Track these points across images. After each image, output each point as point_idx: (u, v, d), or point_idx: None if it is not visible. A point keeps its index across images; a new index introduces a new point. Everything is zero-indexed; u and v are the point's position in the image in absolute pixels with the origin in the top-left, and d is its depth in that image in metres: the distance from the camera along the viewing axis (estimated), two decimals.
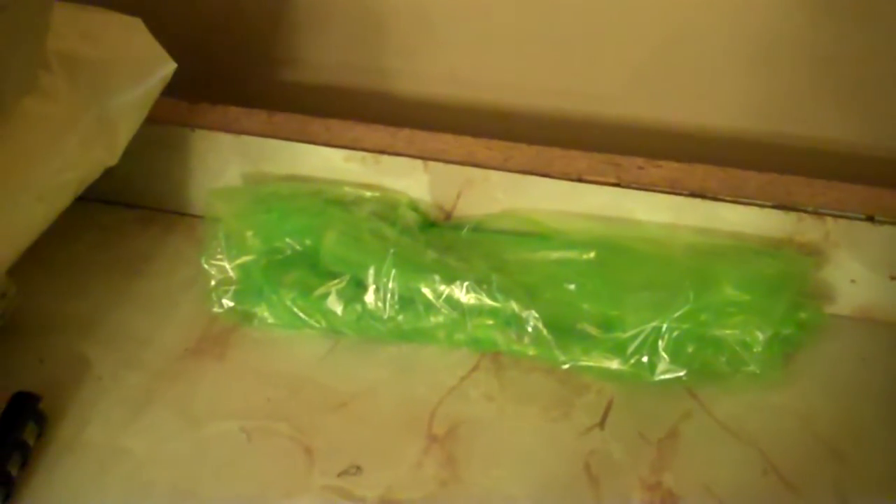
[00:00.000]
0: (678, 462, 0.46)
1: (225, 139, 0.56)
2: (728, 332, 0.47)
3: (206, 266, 0.52)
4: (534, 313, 0.49)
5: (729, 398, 0.49)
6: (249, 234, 0.53)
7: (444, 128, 0.57)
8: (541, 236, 0.53)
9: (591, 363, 0.48)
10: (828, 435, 0.47)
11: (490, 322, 0.50)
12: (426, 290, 0.50)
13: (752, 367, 0.47)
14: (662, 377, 0.48)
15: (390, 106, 0.63)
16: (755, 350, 0.47)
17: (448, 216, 0.56)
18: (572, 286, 0.49)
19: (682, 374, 0.47)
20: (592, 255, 0.51)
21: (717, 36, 0.54)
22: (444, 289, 0.50)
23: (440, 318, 0.50)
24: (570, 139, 0.56)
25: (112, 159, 0.51)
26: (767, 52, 0.54)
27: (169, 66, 0.51)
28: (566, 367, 0.49)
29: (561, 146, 0.55)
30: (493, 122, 0.61)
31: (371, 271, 0.50)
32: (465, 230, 0.54)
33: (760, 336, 0.46)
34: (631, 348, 0.47)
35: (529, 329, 0.49)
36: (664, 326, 0.47)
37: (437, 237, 0.53)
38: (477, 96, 0.61)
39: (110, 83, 0.50)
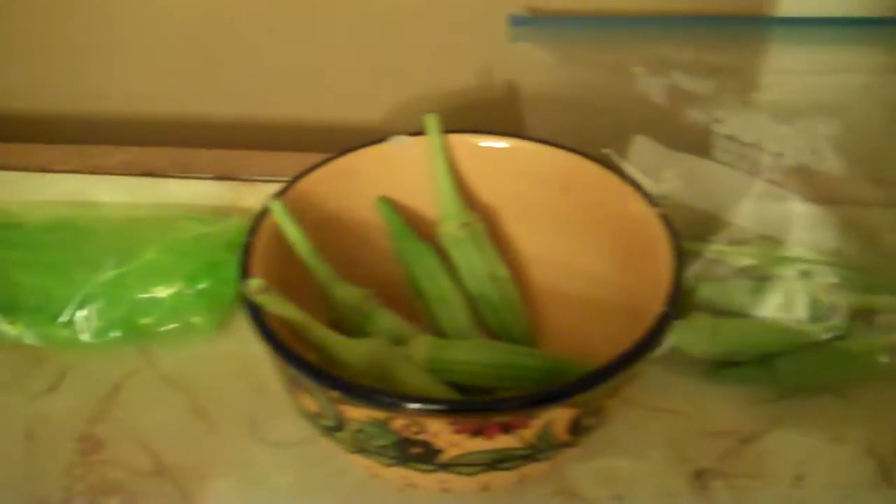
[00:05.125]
0: (114, 414, 0.51)
1: None
2: (156, 291, 0.52)
3: None
4: None
5: (174, 353, 0.54)
6: None
7: None
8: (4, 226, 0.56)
9: (38, 335, 0.52)
10: (259, 377, 0.52)
11: None
12: None
13: (185, 322, 0.52)
14: (105, 339, 0.52)
15: None
16: (191, 306, 0.53)
17: None
18: (17, 265, 0.53)
19: (118, 334, 0.52)
20: (48, 236, 0.55)
21: None
22: None
23: None
24: None
25: None
26: None
27: None
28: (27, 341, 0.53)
29: None
30: None
31: None
32: None
33: (168, 291, 0.51)
34: (68, 316, 0.52)
35: None
36: (95, 293, 0.52)
37: None
38: None
39: None
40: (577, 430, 0.41)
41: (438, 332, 0.49)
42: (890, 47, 0.56)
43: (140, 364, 0.53)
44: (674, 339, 0.49)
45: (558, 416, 0.39)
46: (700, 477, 0.47)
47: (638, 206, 0.47)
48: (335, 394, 0.39)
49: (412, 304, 0.51)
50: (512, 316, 0.50)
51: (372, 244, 0.51)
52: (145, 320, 0.52)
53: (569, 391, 0.38)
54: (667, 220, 0.46)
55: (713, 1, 0.57)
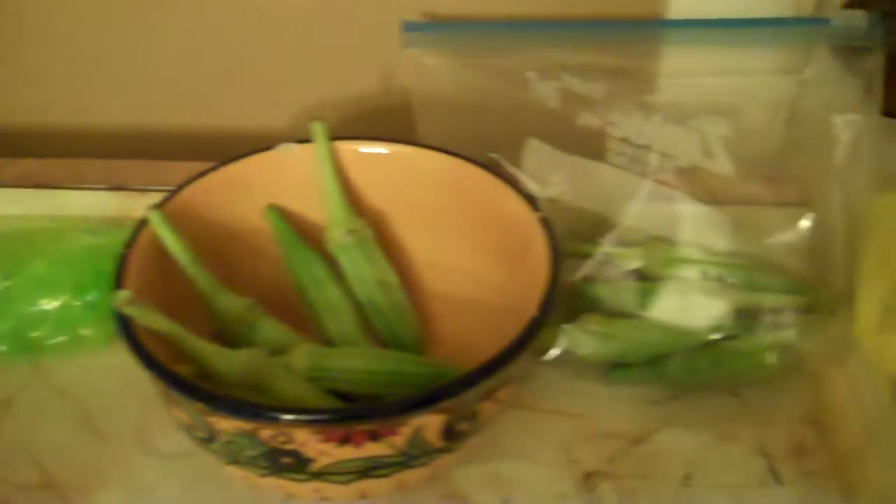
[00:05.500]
0: (3, 428, 0.50)
1: None
2: (43, 304, 0.51)
3: None
4: None
5: (66, 366, 0.53)
6: None
7: None
8: None
9: None
10: (150, 389, 0.52)
11: None
12: None
13: (75, 334, 0.52)
14: None
15: None
16: (80, 318, 0.52)
17: None
18: None
19: (4, 348, 0.51)
20: None
21: None
22: None
23: None
24: None
25: None
26: None
27: None
28: None
29: None
30: None
31: None
32: None
33: (56, 303, 0.51)
34: None
35: None
36: None
37: None
38: None
39: None
40: (452, 435, 0.41)
41: (327, 341, 0.49)
42: (781, 48, 0.56)
43: (31, 378, 0.53)
44: (565, 341, 0.49)
45: (428, 423, 0.39)
46: (588, 479, 0.47)
47: (519, 210, 0.47)
48: (200, 405, 0.38)
49: (304, 313, 0.50)
50: (401, 322, 0.50)
51: (262, 253, 0.51)
52: (34, 333, 0.52)
53: (431, 398, 0.38)
54: (546, 223, 0.46)
55: (606, 4, 0.57)
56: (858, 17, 0.53)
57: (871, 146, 0.51)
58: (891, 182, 0.52)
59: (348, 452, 0.39)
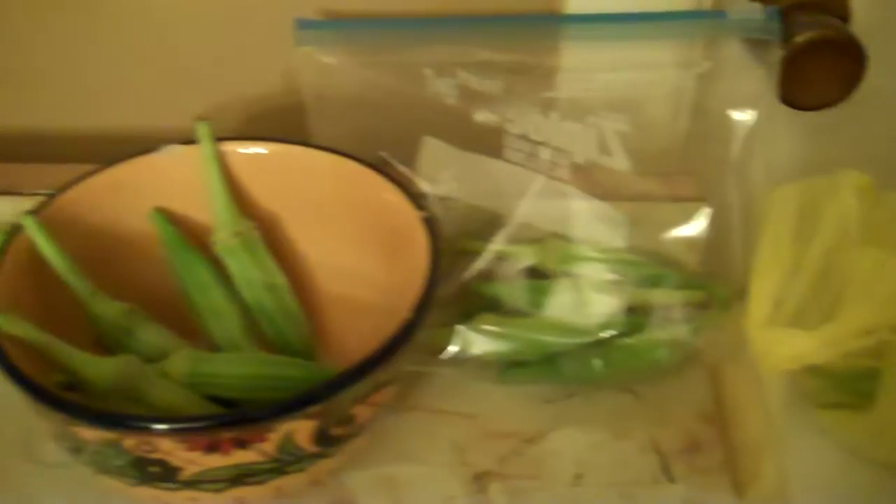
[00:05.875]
0: None
1: None
2: None
3: None
4: None
5: None
6: None
7: None
8: None
9: None
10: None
11: None
12: None
13: None
14: None
15: None
16: None
17: None
18: None
19: None
20: None
21: None
22: None
23: None
24: None
25: None
26: None
27: None
28: None
29: None
30: None
31: None
32: None
33: None
34: None
35: None
36: None
37: None
38: None
39: None
40: (326, 440, 0.40)
41: (213, 346, 0.48)
42: (679, 41, 0.56)
43: None
44: (459, 341, 0.49)
45: (297, 428, 0.39)
46: (479, 480, 0.47)
47: (403, 209, 0.46)
48: (60, 415, 0.38)
49: (190, 318, 0.50)
50: (290, 325, 0.50)
51: (148, 257, 0.50)
52: None
53: (295, 404, 0.38)
54: (429, 222, 0.45)
55: (503, 0, 0.57)
56: (756, 11, 0.52)
57: (766, 139, 0.51)
58: (785, 174, 0.52)
59: (217, 460, 0.38)
